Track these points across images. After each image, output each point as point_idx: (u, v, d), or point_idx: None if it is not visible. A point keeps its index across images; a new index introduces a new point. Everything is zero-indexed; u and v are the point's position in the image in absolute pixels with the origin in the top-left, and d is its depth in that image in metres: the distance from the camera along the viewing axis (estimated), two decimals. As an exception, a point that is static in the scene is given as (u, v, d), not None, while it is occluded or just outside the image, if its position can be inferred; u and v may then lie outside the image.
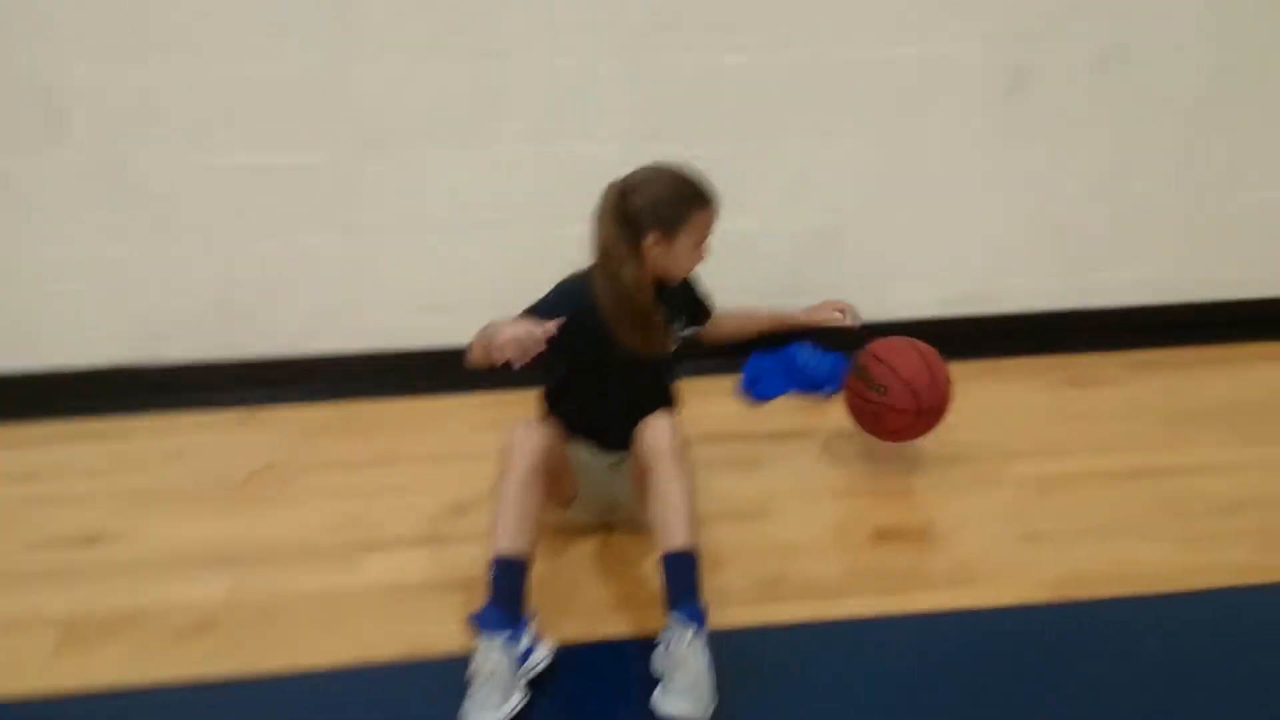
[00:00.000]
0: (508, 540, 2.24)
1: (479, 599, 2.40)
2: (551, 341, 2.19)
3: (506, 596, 2.20)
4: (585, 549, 2.64)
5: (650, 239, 2.37)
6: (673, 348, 2.57)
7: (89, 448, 3.11)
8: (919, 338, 3.50)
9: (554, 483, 2.41)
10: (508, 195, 3.26)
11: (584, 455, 2.57)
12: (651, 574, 2.50)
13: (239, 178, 3.13)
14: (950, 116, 3.35)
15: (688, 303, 2.68)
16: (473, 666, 2.12)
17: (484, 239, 3.30)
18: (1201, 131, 3.45)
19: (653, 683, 2.14)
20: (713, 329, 2.81)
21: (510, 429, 2.35)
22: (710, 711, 2.09)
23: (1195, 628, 2.38)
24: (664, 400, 2.59)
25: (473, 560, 2.57)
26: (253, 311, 3.30)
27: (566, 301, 2.33)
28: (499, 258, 3.30)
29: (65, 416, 3.25)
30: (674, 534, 2.23)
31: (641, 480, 2.37)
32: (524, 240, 3.28)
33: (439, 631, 2.37)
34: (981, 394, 3.33)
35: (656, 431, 2.32)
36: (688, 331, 2.65)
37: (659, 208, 2.36)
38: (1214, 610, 2.43)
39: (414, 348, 3.40)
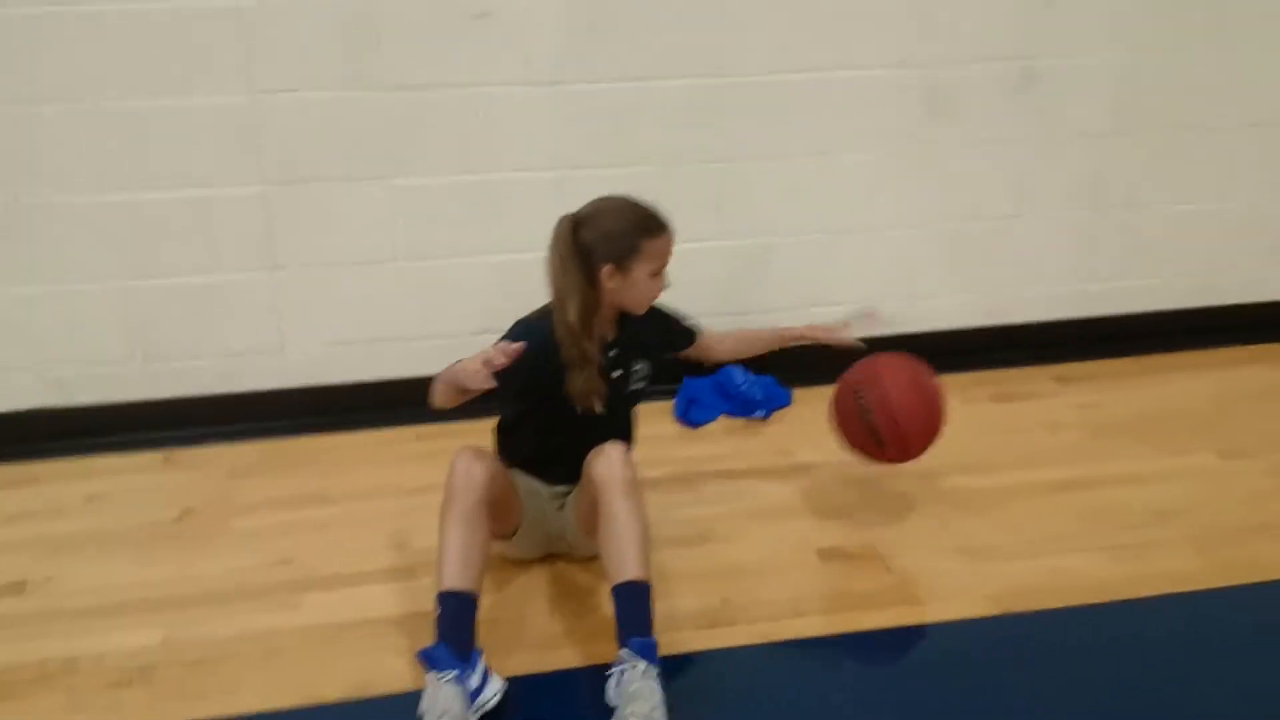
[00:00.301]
0: (454, 576, 2.21)
1: (423, 635, 2.37)
2: (508, 373, 2.16)
3: (455, 633, 2.17)
4: (532, 579, 2.62)
5: (605, 272, 2.36)
6: (633, 388, 2.54)
7: (1, 494, 3.00)
8: (845, 357, 3.55)
9: (498, 515, 2.38)
10: (430, 227, 3.23)
11: (531, 486, 2.55)
12: (601, 602, 2.48)
13: (149, 215, 3.06)
14: (869, 139, 3.40)
15: (664, 333, 2.67)
16: (423, 705, 2.08)
17: (406, 271, 3.26)
18: (1110, 150, 3.55)
19: (607, 712, 2.13)
20: (708, 352, 2.81)
21: (453, 460, 2.32)
22: (664, 744, 2.07)
23: (1133, 636, 2.43)
24: (619, 436, 2.48)
25: (413, 595, 2.54)
26: (169, 351, 3.22)
27: (526, 338, 2.29)
28: (422, 290, 3.27)
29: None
30: (626, 566, 2.21)
31: (591, 510, 2.35)
32: (447, 272, 3.26)
33: (383, 669, 2.32)
34: (910, 412, 3.38)
35: (609, 461, 2.29)
36: (643, 375, 2.57)
37: (611, 240, 2.36)
38: (1150, 618, 2.48)
39: (338, 382, 3.35)
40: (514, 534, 2.55)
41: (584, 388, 2.38)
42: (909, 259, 3.56)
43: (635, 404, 2.61)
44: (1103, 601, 2.53)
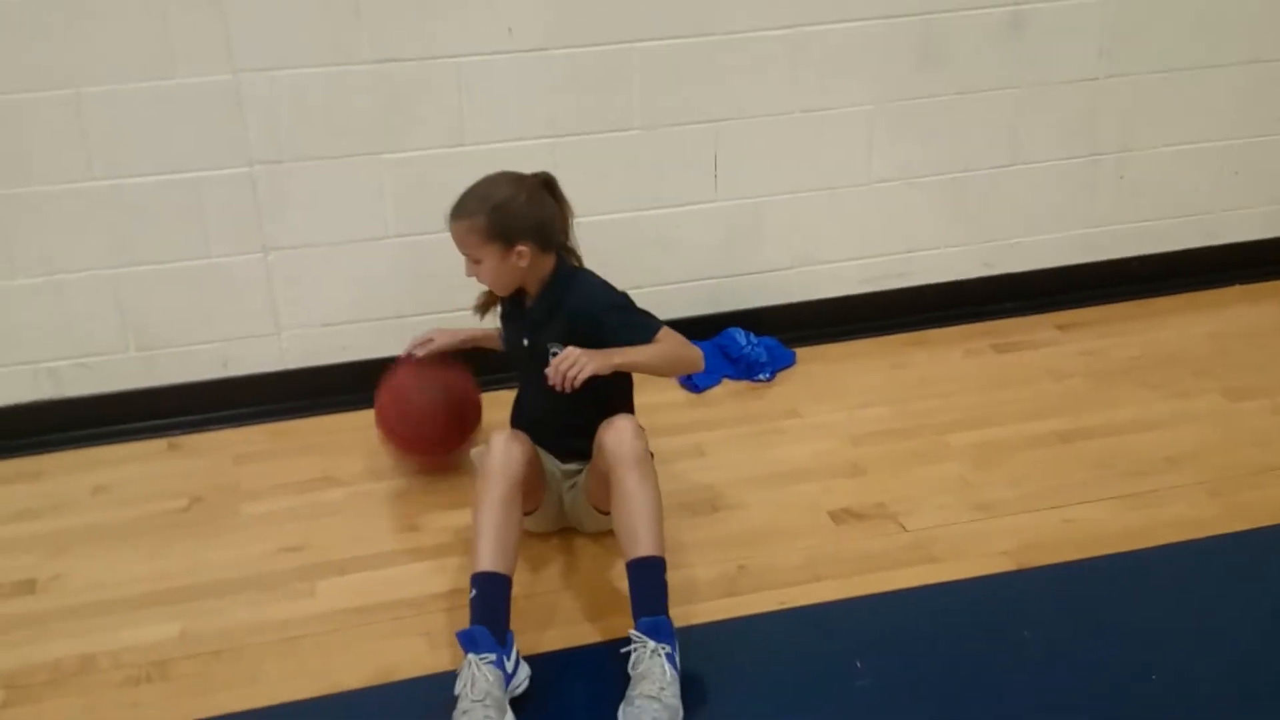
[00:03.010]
0: (489, 557, 2.20)
1: (440, 617, 2.39)
2: None
3: (492, 615, 2.17)
4: (548, 553, 2.61)
5: None
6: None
7: (4, 491, 2.96)
8: (847, 313, 3.56)
9: (527, 494, 2.38)
10: (422, 201, 3.19)
11: (546, 464, 2.54)
12: (619, 575, 2.47)
13: (135, 200, 3.01)
14: (860, 92, 3.36)
15: (591, 325, 2.42)
16: (459, 686, 2.08)
17: (400, 247, 3.22)
18: (1103, 93, 3.52)
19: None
20: None
21: (490, 440, 2.32)
22: (679, 720, 2.07)
23: (1152, 585, 2.44)
24: (602, 414, 2.39)
25: (428, 577, 2.54)
26: (163, 337, 3.18)
27: None
28: (418, 265, 3.23)
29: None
30: (640, 541, 2.20)
31: (602, 484, 2.34)
32: (442, 246, 3.22)
33: (404, 654, 2.32)
34: (914, 366, 3.38)
35: (619, 435, 2.28)
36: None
37: None
38: (1167, 567, 2.49)
39: (337, 362, 3.32)
40: (535, 510, 2.54)
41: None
42: (905, 212, 3.53)
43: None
44: (1119, 551, 2.53)
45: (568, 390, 2.25)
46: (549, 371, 2.27)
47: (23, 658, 2.35)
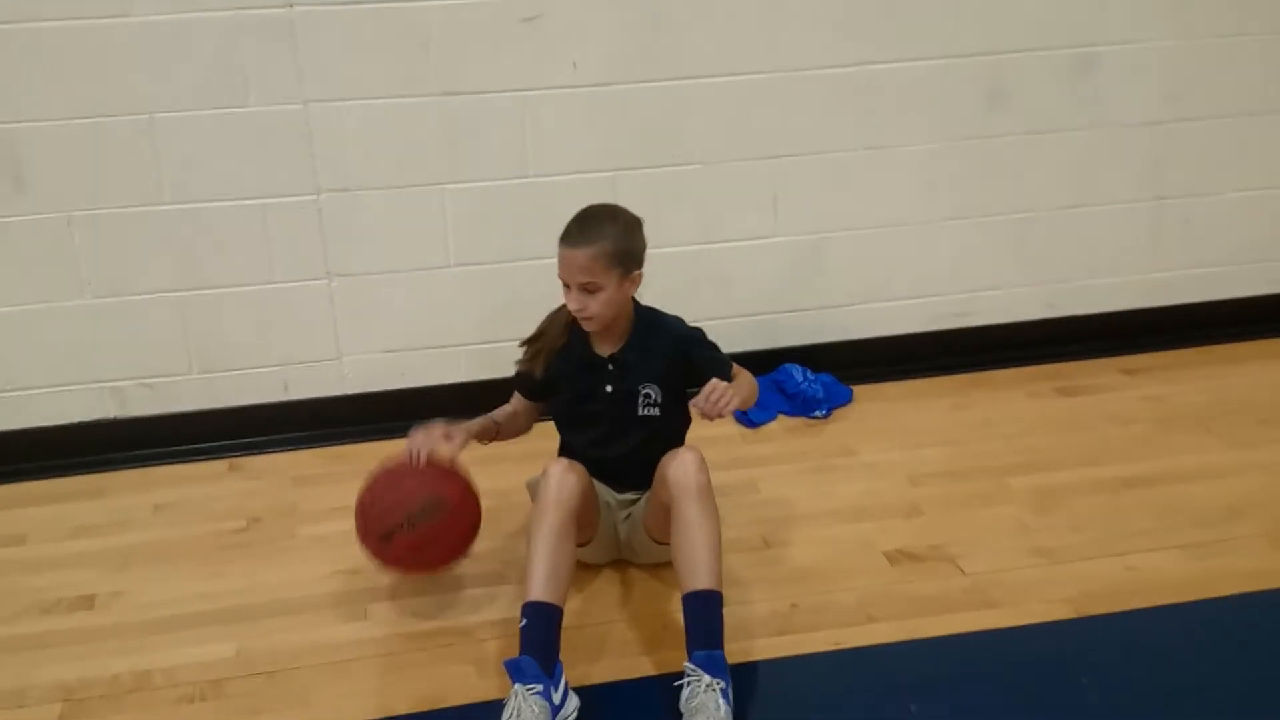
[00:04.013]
0: (541, 588, 2.20)
1: (491, 645, 2.38)
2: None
3: (541, 645, 2.16)
4: (602, 585, 2.60)
5: None
6: (643, 413, 2.46)
7: (67, 507, 3.01)
8: (906, 352, 3.53)
9: (581, 525, 2.38)
10: (484, 232, 3.22)
11: (602, 495, 2.54)
12: (672, 608, 2.46)
13: (204, 224, 3.07)
14: (925, 131, 3.35)
15: (683, 358, 2.48)
16: (506, 716, 2.07)
17: (461, 277, 3.25)
18: (1170, 137, 3.49)
19: (681, 721, 2.11)
20: None
21: (547, 470, 2.33)
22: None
23: (1213, 637, 2.39)
24: (661, 447, 2.41)
25: (479, 605, 2.54)
26: (226, 360, 3.23)
27: None
28: (478, 295, 3.26)
29: (31, 478, 3.13)
30: (698, 575, 2.20)
31: (662, 515, 2.34)
32: (502, 276, 3.25)
33: (453, 681, 2.32)
34: (974, 406, 3.36)
35: (684, 467, 2.28)
36: (654, 402, 2.47)
37: None
38: (1229, 618, 2.44)
39: (395, 388, 3.35)
40: (589, 542, 2.53)
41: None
42: (967, 252, 3.51)
43: (651, 427, 2.48)
44: (1180, 601, 2.48)
45: (713, 419, 2.27)
46: (698, 401, 2.24)
47: (81, 672, 2.37)
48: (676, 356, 2.46)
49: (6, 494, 3.07)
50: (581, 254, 2.31)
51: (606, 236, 2.33)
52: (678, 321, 2.52)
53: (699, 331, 2.53)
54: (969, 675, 2.29)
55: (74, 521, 2.94)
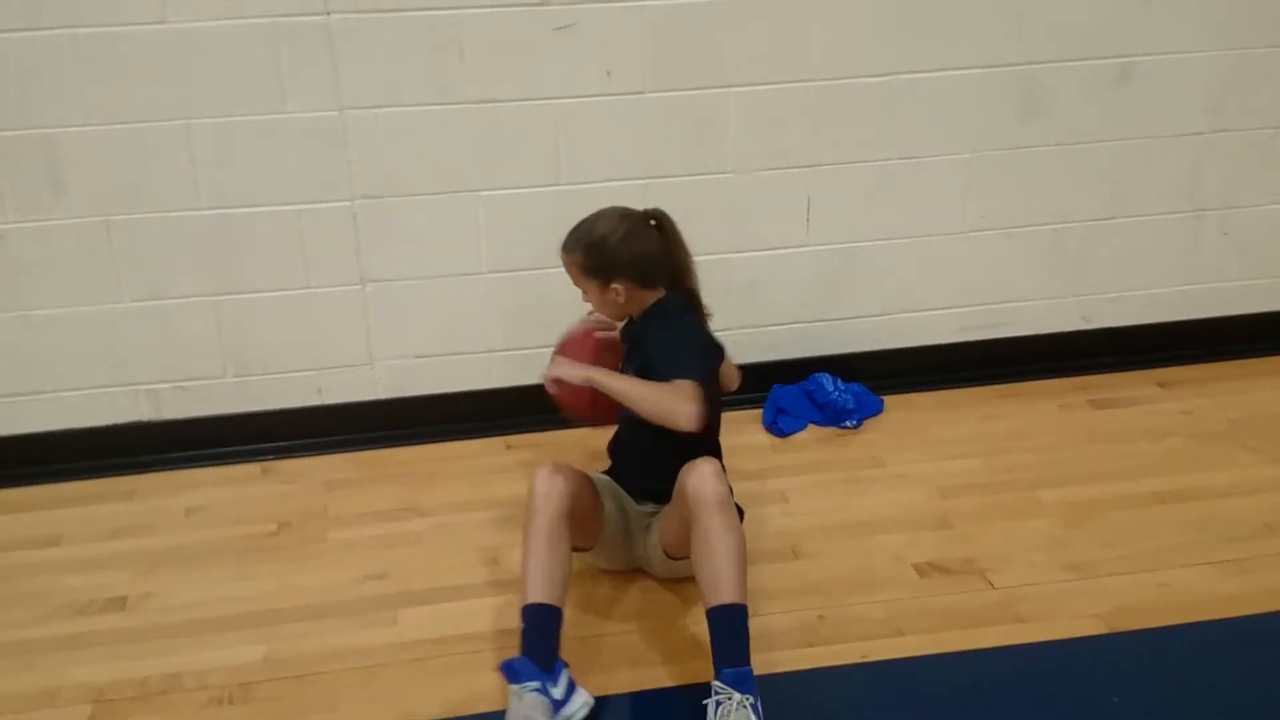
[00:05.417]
0: (536, 589, 2.22)
1: (518, 651, 2.37)
2: None
3: (538, 645, 2.18)
4: (622, 595, 2.60)
5: None
6: None
7: (100, 509, 3.03)
8: (937, 362, 3.52)
9: (581, 527, 2.39)
10: (517, 239, 3.22)
11: (625, 506, 2.56)
12: (693, 618, 2.46)
13: (240, 228, 3.09)
14: (960, 140, 3.33)
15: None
16: (508, 718, 2.09)
17: (494, 283, 3.26)
18: (1208, 149, 3.45)
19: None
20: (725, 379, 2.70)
21: (534, 475, 2.34)
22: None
23: (1248, 656, 2.36)
24: (684, 457, 2.35)
25: (507, 611, 2.55)
26: (260, 364, 3.25)
27: None
28: (511, 302, 3.27)
29: (66, 479, 3.16)
30: (723, 588, 2.18)
31: (681, 527, 2.33)
32: (535, 283, 3.25)
33: (481, 687, 2.33)
34: (1006, 418, 3.33)
35: (701, 477, 2.25)
36: None
37: None
38: (1264, 635, 2.41)
39: (427, 393, 3.36)
40: (593, 547, 2.54)
41: None
42: (1001, 262, 3.48)
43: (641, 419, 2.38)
44: (1214, 619, 2.46)
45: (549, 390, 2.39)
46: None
47: (111, 673, 2.40)
48: (647, 347, 2.42)
49: (42, 494, 3.10)
50: (565, 260, 2.48)
51: (575, 248, 2.44)
52: (673, 318, 2.45)
53: (686, 332, 2.43)
54: (998, 690, 2.28)
55: (108, 523, 2.96)
